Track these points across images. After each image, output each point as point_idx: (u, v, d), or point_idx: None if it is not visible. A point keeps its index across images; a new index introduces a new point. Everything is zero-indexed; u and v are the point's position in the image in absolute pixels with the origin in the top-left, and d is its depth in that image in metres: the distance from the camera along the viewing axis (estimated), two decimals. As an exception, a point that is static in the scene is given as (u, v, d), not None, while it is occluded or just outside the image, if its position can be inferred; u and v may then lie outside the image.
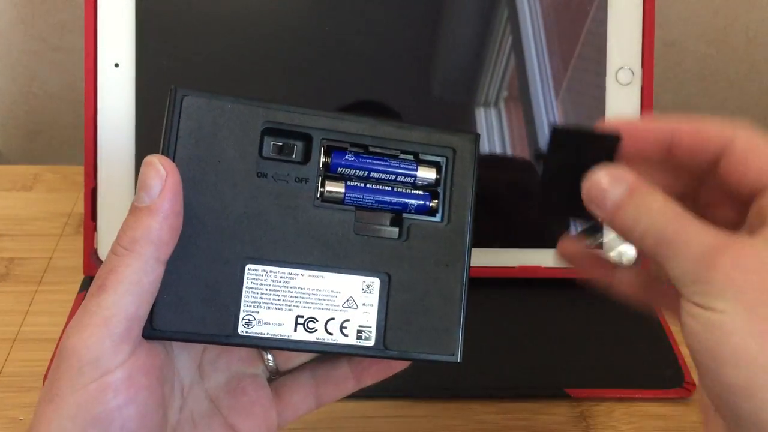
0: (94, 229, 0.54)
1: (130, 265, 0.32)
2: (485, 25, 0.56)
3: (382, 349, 0.36)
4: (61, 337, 0.51)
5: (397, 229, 0.37)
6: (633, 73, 0.56)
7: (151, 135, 0.54)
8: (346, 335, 0.36)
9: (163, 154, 0.34)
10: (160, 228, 0.32)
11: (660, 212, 0.32)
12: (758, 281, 0.30)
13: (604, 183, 0.33)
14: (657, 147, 0.35)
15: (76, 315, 0.32)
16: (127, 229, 0.32)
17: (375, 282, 0.36)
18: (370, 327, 0.36)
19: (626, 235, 0.34)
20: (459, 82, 0.56)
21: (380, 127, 0.37)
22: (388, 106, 0.55)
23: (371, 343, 0.36)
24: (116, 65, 0.54)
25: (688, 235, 0.31)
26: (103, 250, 0.54)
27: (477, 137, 0.38)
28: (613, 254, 0.56)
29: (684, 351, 0.52)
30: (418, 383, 0.49)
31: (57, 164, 0.71)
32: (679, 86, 0.76)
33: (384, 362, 0.38)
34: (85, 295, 0.54)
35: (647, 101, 0.56)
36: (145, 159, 0.33)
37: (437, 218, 0.37)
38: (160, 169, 0.32)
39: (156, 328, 0.34)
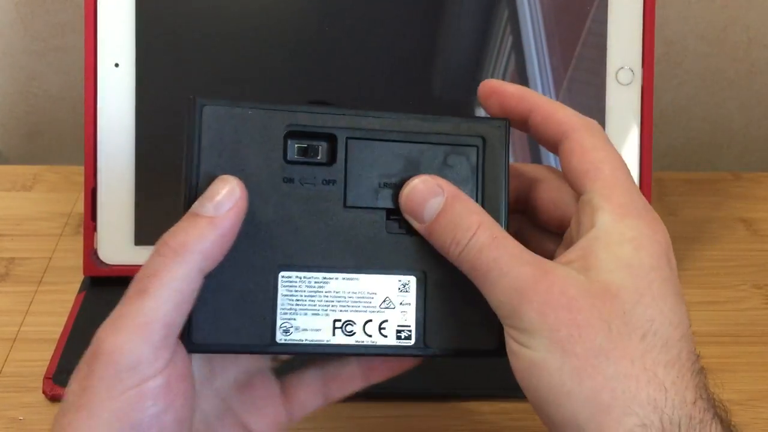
0: (94, 229, 0.54)
1: (174, 271, 0.31)
2: (485, 25, 0.56)
3: (423, 348, 0.35)
4: (61, 337, 0.51)
5: None
6: (633, 73, 0.56)
7: (151, 135, 0.54)
8: (386, 336, 0.35)
9: (186, 165, 0.34)
10: (213, 242, 0.32)
11: (477, 234, 0.32)
12: (569, 319, 0.30)
13: (421, 192, 0.33)
14: (517, 116, 0.36)
15: (113, 317, 0.32)
16: (179, 232, 0.32)
17: (411, 280, 0.35)
18: (409, 326, 0.35)
19: (443, 252, 0.34)
20: (459, 81, 0.56)
21: (406, 121, 0.36)
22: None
23: (411, 342, 0.35)
24: (116, 65, 0.54)
25: (504, 266, 0.32)
26: (103, 250, 0.54)
27: (507, 123, 0.36)
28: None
29: (684, 351, 0.52)
30: (418, 383, 0.49)
31: (57, 164, 0.71)
32: (679, 86, 0.76)
33: (393, 360, 0.38)
34: (85, 295, 0.54)
35: (647, 101, 0.56)
36: (221, 176, 0.33)
37: None
38: (236, 190, 0.32)
39: (195, 342, 0.34)
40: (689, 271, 0.60)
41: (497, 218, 0.35)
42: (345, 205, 0.35)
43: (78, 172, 0.63)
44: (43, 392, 0.48)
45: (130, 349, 0.31)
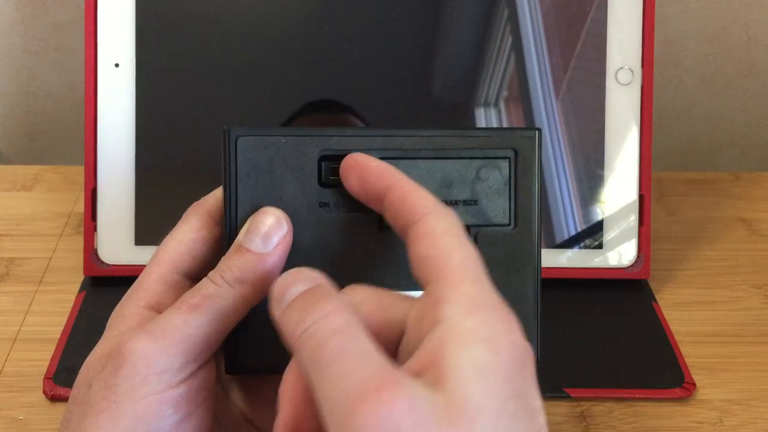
0: (94, 229, 0.54)
1: (227, 300, 0.32)
2: (485, 25, 0.56)
3: None
4: (62, 337, 0.51)
5: None
6: (633, 73, 0.56)
7: (151, 135, 0.54)
8: None
9: (225, 197, 0.35)
10: (265, 279, 0.33)
11: (330, 318, 0.28)
12: None
13: (288, 280, 0.30)
14: (374, 192, 0.33)
15: (154, 323, 0.32)
16: (234, 267, 0.33)
17: None
18: None
19: (286, 337, 0.29)
20: (459, 82, 0.56)
21: (436, 138, 0.36)
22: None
23: None
24: (116, 65, 0.54)
25: (350, 362, 0.26)
26: (104, 250, 0.54)
27: (539, 133, 0.36)
28: (612, 254, 0.56)
29: (684, 351, 0.52)
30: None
31: (57, 164, 0.71)
32: (679, 86, 0.76)
33: None
34: (85, 295, 0.54)
35: (647, 101, 0.56)
36: (265, 208, 0.34)
37: (504, 222, 0.36)
38: (284, 224, 0.34)
39: (241, 364, 0.35)
40: (689, 271, 0.60)
41: (530, 230, 0.36)
42: (380, 227, 0.35)
43: (78, 172, 0.63)
44: (44, 392, 0.48)
45: (163, 356, 0.31)
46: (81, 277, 0.55)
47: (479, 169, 0.36)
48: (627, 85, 0.56)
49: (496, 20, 0.56)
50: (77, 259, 0.56)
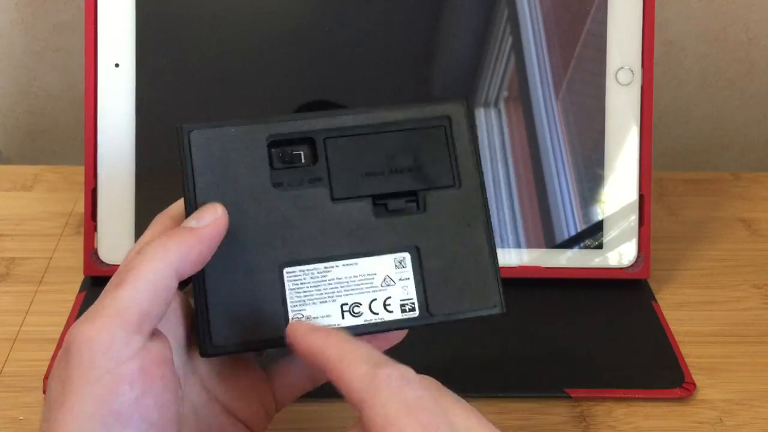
0: (94, 229, 0.54)
1: (151, 266, 0.33)
2: (485, 25, 0.56)
3: (428, 317, 0.38)
4: (62, 337, 0.51)
5: (414, 204, 0.39)
6: (633, 73, 0.56)
7: (151, 135, 0.54)
8: (391, 311, 0.38)
9: (185, 188, 0.37)
10: (191, 247, 0.34)
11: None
12: None
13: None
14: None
15: (89, 309, 0.33)
16: (163, 237, 0.34)
17: (406, 257, 0.38)
18: (411, 299, 0.38)
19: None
20: (459, 82, 0.56)
21: (375, 114, 0.39)
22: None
23: (416, 313, 0.38)
24: (116, 65, 0.54)
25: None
26: (104, 250, 0.54)
27: (467, 99, 0.39)
28: (612, 254, 0.56)
29: (684, 351, 0.52)
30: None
31: (57, 164, 0.71)
32: (679, 86, 0.76)
33: (379, 336, 0.38)
34: (85, 295, 0.54)
35: (647, 101, 0.56)
36: (208, 204, 0.36)
37: (449, 183, 0.39)
38: (218, 209, 0.36)
39: (216, 345, 0.36)
40: (689, 271, 0.60)
41: (474, 186, 0.39)
42: (333, 199, 0.38)
43: (78, 172, 0.63)
44: (44, 392, 0.48)
45: (104, 332, 0.32)
46: (81, 277, 0.55)
47: (419, 139, 0.39)
48: (627, 85, 0.56)
49: (496, 20, 0.56)
50: (77, 259, 0.56)
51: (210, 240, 0.35)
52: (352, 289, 0.37)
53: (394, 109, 0.39)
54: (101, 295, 0.33)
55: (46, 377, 0.49)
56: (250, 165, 0.37)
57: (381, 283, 0.37)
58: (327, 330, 0.34)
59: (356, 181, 0.38)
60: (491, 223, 0.39)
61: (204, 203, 0.36)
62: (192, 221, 0.35)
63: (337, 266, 0.37)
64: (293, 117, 0.38)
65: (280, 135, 0.38)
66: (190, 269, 0.34)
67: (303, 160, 0.38)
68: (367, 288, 0.38)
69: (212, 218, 0.35)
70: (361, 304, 0.37)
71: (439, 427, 0.30)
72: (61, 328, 0.52)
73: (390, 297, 0.38)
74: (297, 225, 0.37)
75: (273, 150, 0.38)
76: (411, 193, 0.39)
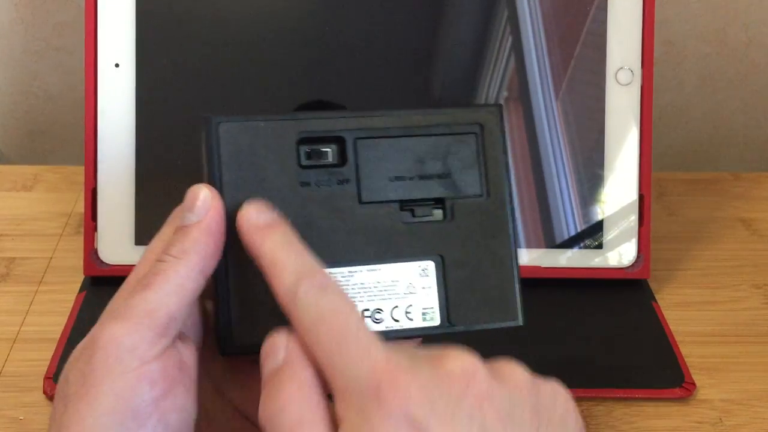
0: (94, 229, 0.54)
1: (177, 271, 0.33)
2: (485, 25, 0.56)
3: (448, 326, 0.37)
4: (62, 337, 0.51)
5: (441, 211, 0.38)
6: (633, 73, 0.56)
7: (151, 135, 0.54)
8: (412, 319, 0.37)
9: (208, 181, 0.36)
10: (207, 243, 0.34)
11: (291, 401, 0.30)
12: None
13: (266, 347, 0.32)
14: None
15: (113, 308, 0.33)
16: (176, 242, 0.34)
17: (430, 265, 0.37)
18: (432, 308, 0.37)
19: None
20: (459, 82, 0.56)
21: (407, 117, 0.38)
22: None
23: (437, 322, 0.37)
24: (116, 65, 0.54)
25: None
26: (104, 250, 0.54)
27: (500, 108, 0.39)
28: (612, 254, 0.56)
29: (684, 351, 0.52)
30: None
31: (57, 164, 0.71)
32: (679, 86, 0.76)
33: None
34: (85, 295, 0.54)
35: (647, 101, 0.56)
36: (191, 187, 0.35)
37: (477, 193, 0.38)
38: (206, 192, 0.35)
39: (237, 344, 0.35)
40: (689, 271, 0.60)
41: (502, 198, 0.38)
42: (360, 202, 0.37)
43: (78, 172, 0.63)
44: (44, 392, 0.48)
45: (131, 333, 0.32)
46: (81, 277, 0.55)
47: (449, 145, 0.38)
48: (627, 85, 0.56)
49: (496, 20, 0.56)
50: (77, 259, 0.56)
51: (217, 225, 0.34)
52: (375, 295, 0.37)
53: (427, 113, 0.38)
54: (126, 295, 0.33)
55: (46, 377, 0.49)
56: (278, 161, 0.36)
57: (404, 291, 0.37)
58: (267, 228, 0.34)
59: (384, 185, 0.38)
60: (517, 235, 0.39)
61: (233, 189, 0.35)
62: (188, 215, 0.35)
63: (360, 271, 0.37)
64: (324, 114, 0.38)
65: (311, 132, 0.37)
66: (212, 264, 0.34)
67: (331, 160, 0.37)
68: (389, 294, 0.37)
69: (207, 204, 0.35)
70: (382, 311, 0.37)
71: (349, 330, 0.30)
72: (61, 328, 0.52)
73: (412, 305, 0.37)
74: (322, 226, 0.37)
75: (302, 148, 0.37)
76: (438, 200, 0.38)
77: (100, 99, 0.54)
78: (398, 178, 0.38)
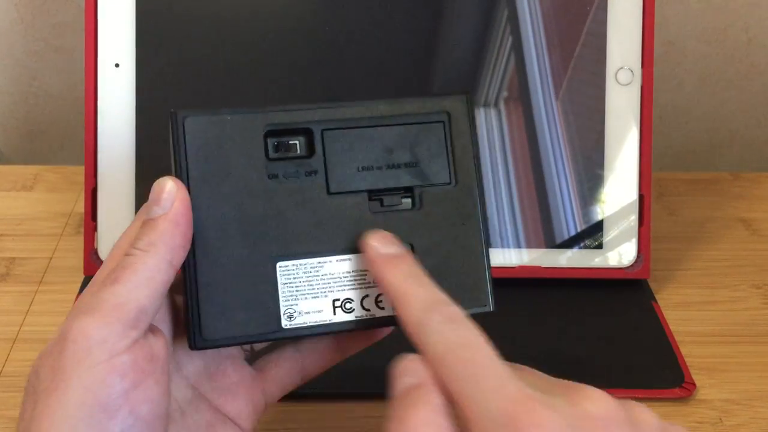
0: (95, 229, 0.54)
1: (145, 263, 0.33)
2: (485, 25, 0.56)
3: None
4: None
5: (409, 200, 0.38)
6: (633, 73, 0.56)
7: (151, 135, 0.54)
8: (382, 308, 0.37)
9: (176, 175, 0.36)
10: (173, 234, 0.34)
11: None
12: None
13: (399, 369, 0.32)
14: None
15: (82, 303, 0.33)
16: (143, 235, 0.34)
17: None
18: None
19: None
20: (459, 82, 0.56)
21: (374, 107, 0.38)
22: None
23: None
24: (116, 65, 0.54)
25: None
26: (104, 250, 0.54)
27: (468, 95, 0.39)
28: (612, 254, 0.56)
29: (684, 351, 0.52)
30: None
31: (57, 164, 0.71)
32: (679, 86, 0.76)
33: (368, 331, 0.39)
34: (85, 295, 0.54)
35: (647, 101, 0.56)
36: (157, 180, 0.35)
37: (445, 180, 0.39)
38: (171, 184, 0.35)
39: (206, 338, 0.36)
40: (689, 271, 0.60)
41: (470, 185, 0.38)
42: (329, 192, 0.37)
43: (78, 172, 0.63)
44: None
45: (101, 327, 0.32)
46: (81, 277, 0.55)
47: (417, 134, 0.38)
48: (627, 85, 0.56)
49: (496, 20, 0.56)
50: (77, 259, 0.56)
51: (184, 216, 0.35)
52: (345, 285, 0.37)
53: (394, 103, 0.38)
54: (95, 290, 0.33)
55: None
56: (245, 154, 0.37)
57: (373, 280, 0.37)
58: (394, 259, 0.35)
59: (352, 175, 0.38)
60: (487, 222, 0.39)
61: (200, 182, 0.36)
62: (154, 208, 0.35)
63: (330, 261, 0.37)
64: (291, 107, 0.38)
65: (278, 125, 0.37)
66: (181, 255, 0.34)
67: (299, 152, 0.38)
68: (359, 284, 0.37)
69: (173, 195, 0.35)
70: (352, 300, 0.37)
71: (484, 362, 0.30)
72: (61, 328, 0.52)
73: (382, 294, 0.37)
74: (291, 218, 0.37)
75: (269, 140, 0.37)
76: (407, 189, 0.38)
77: (100, 99, 0.54)
78: (366, 168, 0.38)
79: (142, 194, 0.54)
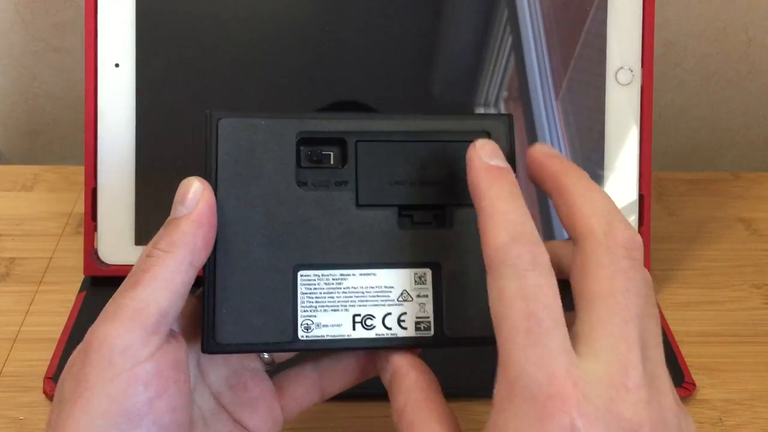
0: (94, 229, 0.54)
1: (165, 265, 0.33)
2: (485, 25, 0.56)
3: (442, 337, 0.36)
4: (62, 337, 0.51)
5: (441, 218, 0.37)
6: (633, 73, 0.56)
7: (151, 135, 0.54)
8: (405, 328, 0.36)
9: (206, 176, 0.36)
10: (195, 235, 0.34)
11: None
12: None
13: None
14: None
15: (107, 309, 0.33)
16: (165, 235, 0.34)
17: (426, 273, 0.36)
18: (427, 317, 0.36)
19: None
20: (459, 82, 0.56)
21: (411, 122, 0.37)
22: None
23: (431, 333, 0.36)
24: (116, 65, 0.54)
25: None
26: (104, 250, 0.54)
27: (510, 118, 0.38)
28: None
29: (684, 351, 0.52)
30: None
31: (57, 164, 0.71)
32: (679, 86, 0.76)
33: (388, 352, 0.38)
34: (85, 294, 0.54)
35: (647, 101, 0.56)
36: (183, 180, 0.35)
37: None
38: (197, 184, 0.35)
39: (219, 342, 0.35)
40: (689, 271, 0.60)
41: None
42: (358, 205, 0.36)
43: (78, 172, 0.63)
44: (44, 392, 0.48)
45: (122, 333, 0.32)
46: (81, 277, 0.55)
47: (454, 152, 0.37)
48: (627, 85, 0.56)
49: (496, 20, 0.56)
50: (77, 259, 0.56)
51: (207, 217, 0.34)
52: (367, 301, 0.36)
53: (432, 119, 0.37)
54: (118, 293, 0.33)
55: (46, 377, 0.49)
56: (276, 160, 0.36)
57: (398, 298, 0.36)
58: (497, 171, 0.33)
59: (383, 189, 0.37)
60: None
61: (229, 184, 0.36)
62: (179, 207, 0.34)
63: (354, 275, 0.36)
64: (326, 115, 0.37)
65: (311, 133, 0.36)
66: (203, 256, 0.34)
67: (331, 161, 0.37)
68: (382, 301, 0.36)
69: (198, 195, 0.34)
70: (374, 317, 0.36)
71: (545, 323, 0.30)
72: (61, 328, 0.52)
73: (405, 313, 0.36)
74: (317, 227, 0.36)
75: (301, 147, 0.37)
76: (439, 207, 0.37)
77: (100, 99, 0.54)
78: (398, 183, 0.37)
79: (142, 194, 0.54)
